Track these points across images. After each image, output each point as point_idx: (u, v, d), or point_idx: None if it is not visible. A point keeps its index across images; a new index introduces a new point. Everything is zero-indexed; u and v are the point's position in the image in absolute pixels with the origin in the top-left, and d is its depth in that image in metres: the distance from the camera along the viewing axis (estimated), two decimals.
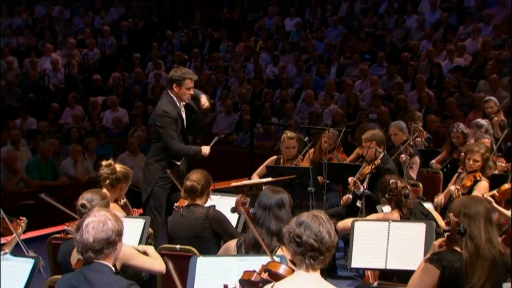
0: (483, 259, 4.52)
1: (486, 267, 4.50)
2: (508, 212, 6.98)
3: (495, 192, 7.30)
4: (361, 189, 7.89)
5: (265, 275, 3.95)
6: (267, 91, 15.95)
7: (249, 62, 17.86)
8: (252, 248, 4.79)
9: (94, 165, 12.18)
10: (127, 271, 5.09)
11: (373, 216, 6.36)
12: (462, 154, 9.15)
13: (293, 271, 3.96)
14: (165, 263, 4.41)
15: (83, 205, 5.08)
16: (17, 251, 5.89)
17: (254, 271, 4.01)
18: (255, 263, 4.23)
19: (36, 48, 19.76)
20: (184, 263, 5.32)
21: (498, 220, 7.77)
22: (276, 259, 4.25)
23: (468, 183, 7.61)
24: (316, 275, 3.87)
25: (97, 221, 4.00)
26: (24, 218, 6.26)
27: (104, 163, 6.37)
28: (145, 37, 19.93)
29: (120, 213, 6.16)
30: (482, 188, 7.50)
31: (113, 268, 4.06)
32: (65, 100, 16.45)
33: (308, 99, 14.97)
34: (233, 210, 5.81)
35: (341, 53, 17.23)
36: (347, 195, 8.13)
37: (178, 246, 5.73)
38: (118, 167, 6.33)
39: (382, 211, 6.60)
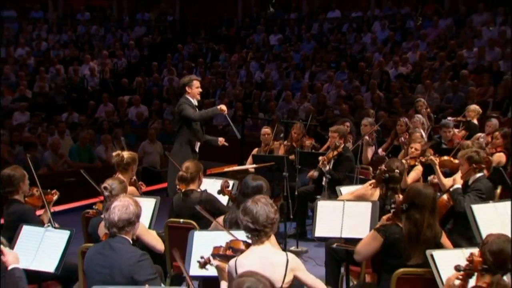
0: (424, 242, 4.46)
1: (424, 248, 4.44)
2: (443, 180, 6.82)
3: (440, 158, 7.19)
4: (327, 167, 7.87)
5: (229, 252, 3.92)
6: (256, 92, 15.90)
7: (241, 69, 17.81)
8: (234, 224, 4.73)
9: (121, 150, 12.11)
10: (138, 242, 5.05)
11: (356, 192, 6.15)
12: (402, 139, 9.17)
13: (249, 245, 3.91)
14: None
15: (105, 188, 5.03)
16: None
17: (221, 246, 3.98)
18: (237, 236, 4.17)
19: (78, 58, 19.64)
20: (186, 233, 5.27)
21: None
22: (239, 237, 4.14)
23: (412, 162, 7.53)
24: (264, 246, 3.86)
25: (121, 205, 4.04)
26: (57, 191, 6.09)
27: (114, 154, 6.27)
28: (161, 50, 19.79)
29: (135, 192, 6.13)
30: (418, 171, 7.47)
31: (131, 241, 4.07)
32: (100, 99, 16.35)
33: (287, 99, 14.90)
34: (219, 192, 5.81)
35: (313, 62, 17.17)
36: (313, 171, 8.13)
37: (181, 220, 5.68)
38: (126, 154, 6.23)
39: (340, 191, 6.52)
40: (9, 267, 4.15)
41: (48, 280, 5.23)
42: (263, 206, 3.85)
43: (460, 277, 3.55)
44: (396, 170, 5.46)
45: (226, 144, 8.35)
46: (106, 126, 13.46)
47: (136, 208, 4.04)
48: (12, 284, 3.98)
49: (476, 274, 3.51)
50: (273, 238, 4.13)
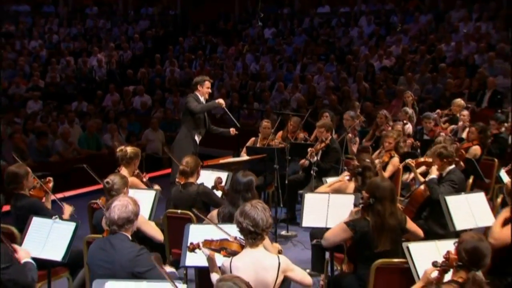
0: (388, 230, 4.50)
1: (389, 236, 4.48)
2: (421, 178, 6.89)
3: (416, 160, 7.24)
4: (315, 158, 7.88)
5: (223, 252, 3.89)
6: (251, 83, 15.80)
7: (238, 61, 17.66)
8: (227, 219, 4.72)
9: (126, 138, 12.08)
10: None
11: (333, 185, 6.16)
12: (379, 132, 9.16)
13: (243, 246, 3.89)
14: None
15: (107, 182, 5.00)
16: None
17: (212, 240, 3.96)
18: (228, 230, 4.17)
19: (87, 50, 19.45)
20: (183, 223, 5.27)
21: (407, 180, 7.75)
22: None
23: (386, 159, 7.62)
24: (258, 250, 3.84)
25: (121, 204, 4.02)
26: (51, 178, 5.99)
27: (118, 149, 6.25)
28: (164, 42, 19.62)
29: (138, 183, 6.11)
30: (394, 163, 7.50)
31: (130, 237, 4.03)
32: (107, 88, 16.23)
33: (280, 89, 14.80)
34: (213, 188, 5.77)
35: (304, 55, 17.02)
36: (304, 160, 8.14)
37: (179, 211, 5.66)
38: (129, 149, 6.23)
39: (327, 181, 6.54)
40: (22, 261, 4.26)
41: (56, 266, 5.24)
42: (262, 211, 3.85)
43: (437, 272, 3.57)
44: (367, 160, 5.69)
45: (237, 132, 8.47)
46: (112, 115, 13.42)
47: (135, 207, 4.02)
48: (24, 276, 4.07)
49: (452, 269, 3.54)
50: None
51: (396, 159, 7.52)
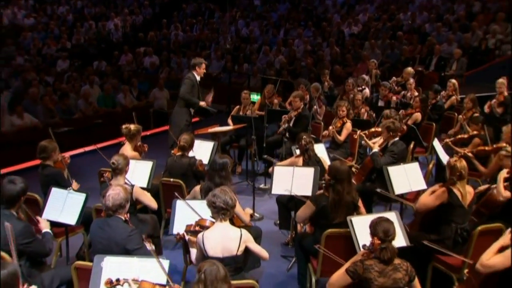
0: (344, 205, 4.55)
1: (344, 210, 4.52)
2: (372, 144, 6.88)
3: (367, 131, 7.24)
4: (286, 125, 7.85)
5: (198, 228, 3.96)
6: (242, 46, 15.50)
7: (232, 26, 17.24)
8: (207, 192, 4.72)
9: (136, 97, 11.96)
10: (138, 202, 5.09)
11: (287, 161, 6.13)
12: (347, 97, 9.08)
13: (213, 223, 3.96)
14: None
15: (113, 163, 4.93)
16: None
17: (191, 224, 4.05)
18: (204, 206, 4.13)
19: (105, 15, 18.95)
20: (175, 189, 5.31)
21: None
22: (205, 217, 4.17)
23: (339, 124, 7.55)
24: (225, 223, 3.92)
25: (114, 193, 3.99)
26: (67, 155, 5.96)
27: (123, 126, 6.16)
28: (169, 9, 19.05)
29: (137, 155, 6.07)
30: (348, 127, 7.47)
31: (123, 219, 4.02)
32: (122, 49, 15.86)
33: (266, 52, 14.51)
34: (195, 167, 5.74)
35: (287, 21, 16.63)
36: (282, 127, 8.05)
37: (172, 179, 5.67)
38: (132, 126, 6.13)
39: (295, 151, 6.51)
40: (42, 231, 4.35)
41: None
42: (228, 194, 3.91)
43: (365, 253, 3.67)
44: (308, 139, 5.78)
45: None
46: (126, 75, 13.19)
47: (125, 195, 3.99)
48: (43, 247, 4.16)
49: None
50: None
51: (348, 124, 7.47)
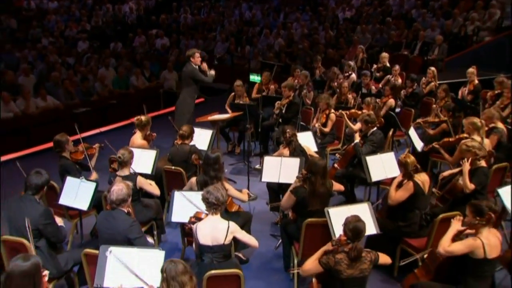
0: (319, 196, 4.58)
1: (319, 200, 4.57)
2: (353, 126, 6.90)
3: (348, 111, 7.24)
4: (278, 111, 7.83)
5: (193, 219, 4.04)
6: (245, 28, 15.21)
7: (236, 9, 16.93)
8: (203, 184, 4.79)
9: (148, 78, 11.88)
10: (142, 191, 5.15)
11: (276, 153, 6.06)
12: (335, 84, 8.98)
13: (206, 215, 4.04)
14: None
15: (119, 157, 4.98)
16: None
17: (192, 216, 4.11)
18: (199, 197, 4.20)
19: None
20: (176, 175, 5.37)
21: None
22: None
23: (323, 119, 7.43)
24: (216, 216, 3.98)
25: (118, 188, 4.05)
26: (97, 145, 6.01)
27: (135, 118, 6.17)
28: None
29: (145, 143, 6.11)
30: (332, 118, 7.37)
31: (125, 211, 4.08)
32: (136, 32, 15.65)
33: (266, 35, 14.23)
34: (191, 162, 5.76)
35: (286, 6, 16.28)
36: (275, 113, 8.02)
37: (173, 167, 5.70)
38: (143, 117, 6.14)
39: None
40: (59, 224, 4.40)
41: None
42: (220, 191, 3.97)
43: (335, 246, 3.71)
44: (292, 132, 5.72)
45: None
46: (139, 58, 13.07)
47: (128, 190, 4.05)
48: (59, 233, 4.27)
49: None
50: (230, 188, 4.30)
51: (332, 115, 7.36)
